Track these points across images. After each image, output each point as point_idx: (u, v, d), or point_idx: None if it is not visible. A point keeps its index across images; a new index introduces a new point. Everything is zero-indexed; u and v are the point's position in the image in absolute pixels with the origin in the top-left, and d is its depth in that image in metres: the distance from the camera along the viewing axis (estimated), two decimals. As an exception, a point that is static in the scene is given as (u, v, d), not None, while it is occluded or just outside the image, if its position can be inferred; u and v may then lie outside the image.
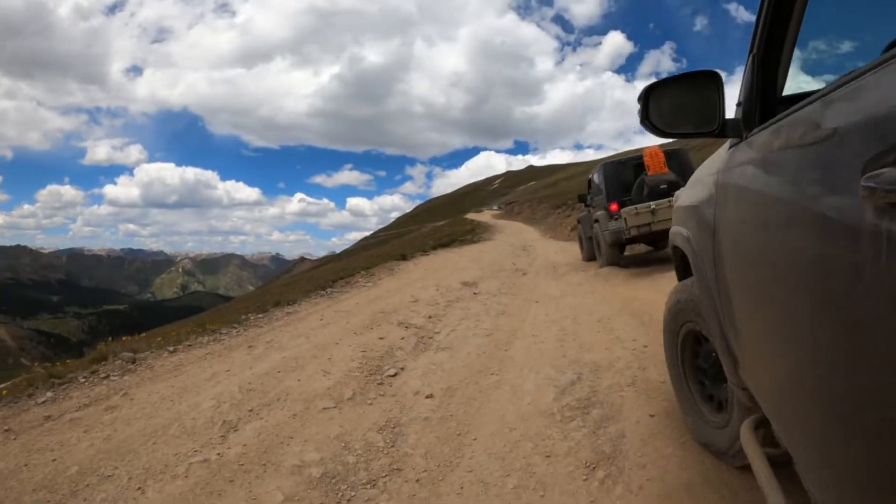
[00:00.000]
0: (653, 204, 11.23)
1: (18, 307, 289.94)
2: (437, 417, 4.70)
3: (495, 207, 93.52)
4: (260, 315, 10.79)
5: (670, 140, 3.44)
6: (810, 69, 2.14)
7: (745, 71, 2.13)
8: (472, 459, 3.86)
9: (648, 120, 2.32)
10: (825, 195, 1.28)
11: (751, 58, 2.05)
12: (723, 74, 2.28)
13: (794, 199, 1.47)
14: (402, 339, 7.57)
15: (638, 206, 11.35)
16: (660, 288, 9.10)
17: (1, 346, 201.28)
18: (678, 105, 2.32)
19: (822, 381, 1.35)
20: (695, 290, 2.99)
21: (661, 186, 11.65)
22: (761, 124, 1.95)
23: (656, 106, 2.32)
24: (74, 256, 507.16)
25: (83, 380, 6.88)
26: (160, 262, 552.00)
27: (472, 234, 38.28)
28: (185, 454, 4.42)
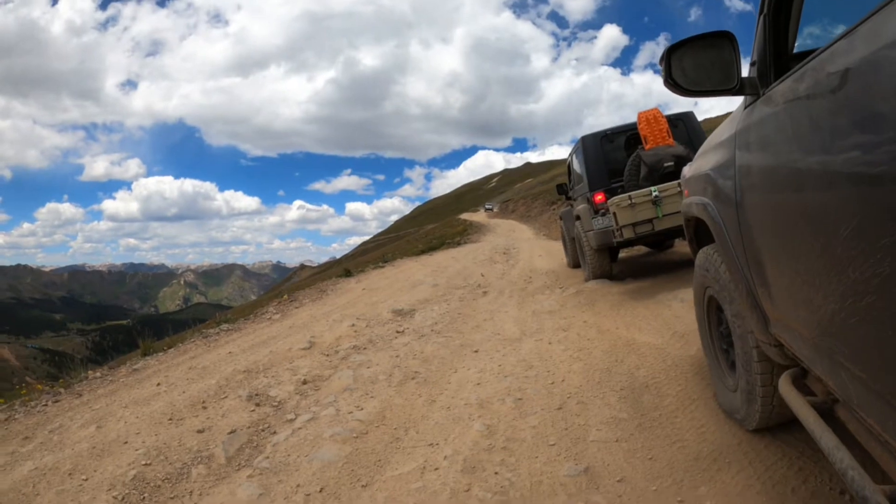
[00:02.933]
0: (655, 190, 7.50)
1: (21, 326, 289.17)
2: None
3: (486, 208, 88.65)
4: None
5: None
6: (819, 27, 2.19)
7: (756, 31, 2.20)
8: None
9: (672, 79, 2.38)
10: (869, 120, 1.30)
11: (761, 18, 2.12)
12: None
13: (831, 135, 1.50)
14: (232, 433, 4.65)
15: (633, 193, 7.58)
16: (669, 321, 5.87)
17: (5, 365, 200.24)
18: (698, 64, 2.37)
19: (882, 315, 1.35)
20: (712, 256, 3.09)
21: (666, 164, 7.94)
22: (777, 79, 2.00)
23: (678, 66, 2.38)
24: (76, 273, 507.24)
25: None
26: (162, 276, 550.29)
27: (462, 234, 37.01)
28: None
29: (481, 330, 7.31)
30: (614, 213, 7.59)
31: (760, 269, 2.27)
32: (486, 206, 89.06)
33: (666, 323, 5.80)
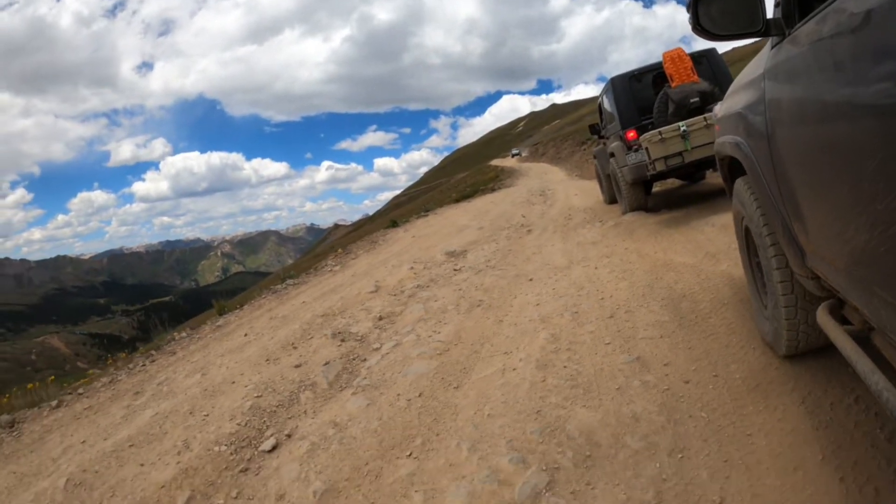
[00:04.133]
0: (683, 124, 8.05)
1: (68, 315, 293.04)
2: None
3: (513, 153, 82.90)
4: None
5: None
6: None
7: None
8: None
9: (700, 25, 2.50)
10: (890, 56, 1.34)
11: None
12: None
13: (854, 72, 1.57)
14: (326, 364, 5.31)
15: (662, 129, 8.17)
16: (702, 244, 6.45)
17: (56, 354, 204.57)
18: (723, 8, 2.47)
19: None
20: (744, 189, 3.16)
21: (692, 100, 8.47)
22: (802, 20, 2.07)
23: (705, 11, 2.49)
24: (114, 257, 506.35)
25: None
26: (199, 249, 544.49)
27: (495, 180, 36.66)
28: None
29: (532, 262, 7.94)
30: (646, 148, 8.17)
31: (794, 204, 2.33)
32: (514, 152, 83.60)
33: (699, 245, 6.38)
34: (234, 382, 5.43)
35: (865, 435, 2.49)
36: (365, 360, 5.30)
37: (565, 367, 4.02)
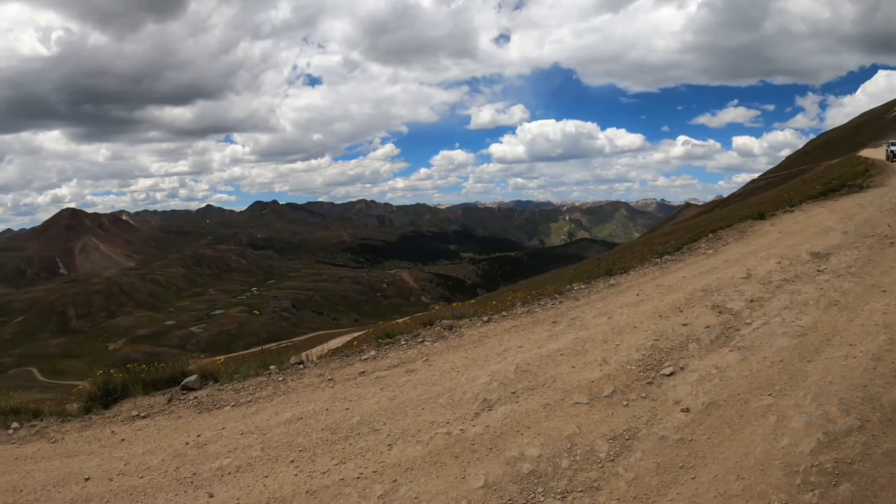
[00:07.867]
0: None
1: (420, 255, 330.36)
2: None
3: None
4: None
5: None
6: None
7: None
8: None
9: None
10: None
11: None
12: None
13: None
14: (707, 328, 7.13)
15: None
16: None
17: (404, 286, 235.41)
18: None
19: None
20: None
21: None
22: None
23: None
24: (468, 210, 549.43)
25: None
26: (548, 212, 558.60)
27: (863, 176, 32.91)
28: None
29: (888, 275, 8.75)
30: None
31: None
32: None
33: None
34: (635, 327, 7.41)
35: None
36: (738, 329, 6.97)
37: (894, 363, 5.42)
